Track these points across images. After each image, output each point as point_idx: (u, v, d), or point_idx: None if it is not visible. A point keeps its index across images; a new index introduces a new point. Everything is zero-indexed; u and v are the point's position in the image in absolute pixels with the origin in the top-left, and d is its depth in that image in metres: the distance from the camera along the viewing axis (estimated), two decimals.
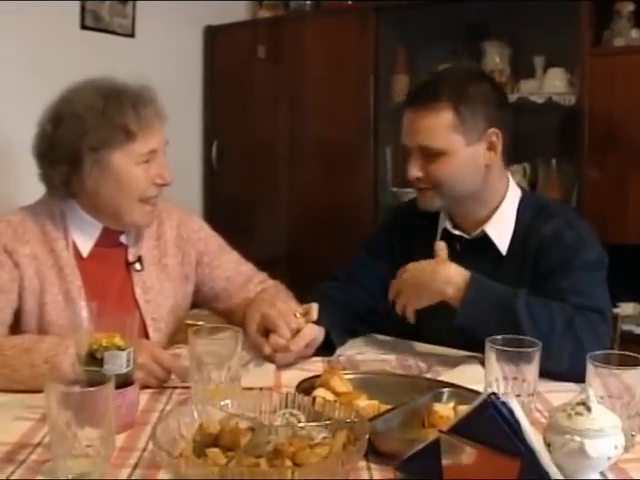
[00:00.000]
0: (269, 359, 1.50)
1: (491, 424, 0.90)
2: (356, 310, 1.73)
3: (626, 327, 2.26)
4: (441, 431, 0.97)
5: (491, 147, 1.58)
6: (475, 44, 2.79)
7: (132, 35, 2.91)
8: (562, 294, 1.49)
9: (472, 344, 1.56)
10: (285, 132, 3.11)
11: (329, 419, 1.06)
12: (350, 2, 3.02)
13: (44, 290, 1.53)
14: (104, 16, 2.79)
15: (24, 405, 1.24)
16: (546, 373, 1.28)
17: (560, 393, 1.33)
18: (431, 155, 1.56)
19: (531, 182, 2.64)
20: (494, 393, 0.93)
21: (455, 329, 1.47)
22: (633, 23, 2.43)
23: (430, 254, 1.69)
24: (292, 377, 1.40)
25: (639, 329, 2.47)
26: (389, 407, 1.18)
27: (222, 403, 1.07)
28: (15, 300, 1.51)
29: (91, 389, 0.96)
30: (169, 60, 3.05)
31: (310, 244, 3.07)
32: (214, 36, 3.28)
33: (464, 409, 1.16)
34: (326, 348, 1.58)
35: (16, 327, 1.53)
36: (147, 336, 1.62)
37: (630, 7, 2.42)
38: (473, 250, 1.65)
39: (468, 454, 0.92)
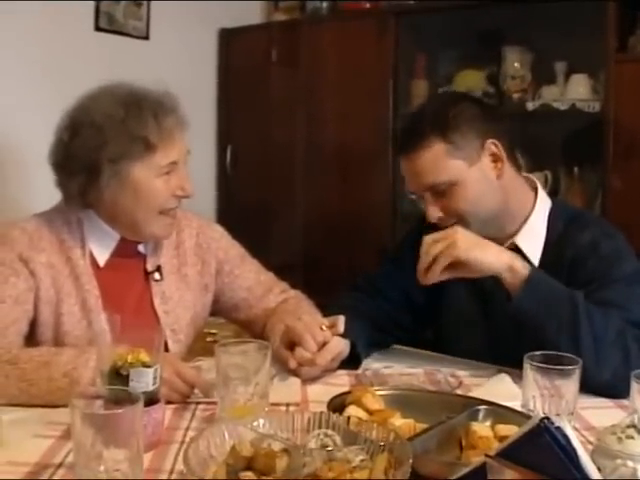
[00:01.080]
0: (294, 373, 1.45)
1: (545, 450, 0.85)
2: (379, 322, 1.69)
3: None
4: (488, 455, 0.92)
5: (495, 158, 1.54)
6: (495, 49, 2.75)
7: (146, 37, 2.88)
8: (603, 306, 1.43)
9: (498, 355, 1.54)
10: (301, 137, 3.07)
11: (366, 440, 1.01)
12: (368, 5, 2.97)
13: (60, 300, 1.49)
14: (118, 18, 2.76)
15: (43, 421, 1.19)
16: (585, 381, 1.24)
17: (596, 410, 1.30)
18: (442, 191, 1.53)
19: (553, 190, 2.59)
20: (547, 417, 0.87)
21: (509, 312, 1.41)
22: None
23: None
24: (318, 392, 1.37)
25: None
26: (425, 426, 1.14)
27: (254, 423, 1.02)
28: (31, 310, 1.47)
29: (120, 410, 0.91)
30: (183, 62, 3.02)
31: (326, 251, 3.02)
32: (229, 39, 3.24)
33: (504, 429, 1.13)
34: (351, 361, 1.53)
35: (31, 338, 1.48)
36: (166, 348, 1.57)
37: None
38: None
39: None
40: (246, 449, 0.96)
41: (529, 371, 1.21)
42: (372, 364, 1.56)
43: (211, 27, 3.21)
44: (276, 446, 1.00)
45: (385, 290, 1.73)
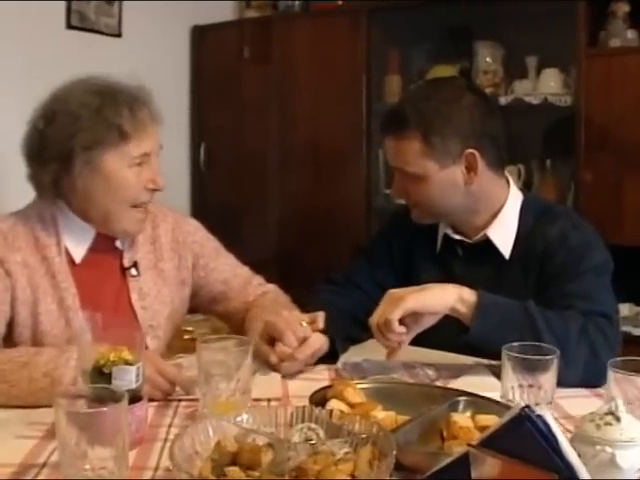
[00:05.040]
0: (274, 368, 1.46)
1: (527, 438, 0.87)
2: (355, 316, 1.69)
3: (624, 328, 2.26)
4: (470, 445, 0.93)
5: (470, 168, 1.54)
6: (467, 45, 2.78)
7: (119, 35, 2.88)
8: (569, 299, 1.48)
9: (474, 350, 1.55)
10: (275, 134, 3.07)
11: (349, 433, 1.02)
12: (340, 2, 2.98)
13: (37, 299, 1.48)
14: (90, 16, 2.76)
15: (25, 422, 1.18)
16: (562, 382, 1.26)
17: (574, 399, 1.32)
18: (408, 177, 1.56)
19: (526, 183, 2.63)
20: (528, 406, 0.89)
21: (467, 342, 1.43)
22: (629, 24, 2.43)
23: (430, 260, 1.69)
24: (299, 387, 1.38)
25: (637, 330, 2.47)
26: (406, 418, 1.15)
27: (238, 418, 1.03)
28: (7, 311, 1.46)
29: (104, 408, 0.91)
30: (156, 60, 3.01)
31: (301, 248, 3.03)
32: (201, 36, 3.24)
33: (485, 419, 1.14)
34: (329, 355, 1.54)
35: (9, 338, 1.47)
36: (145, 344, 1.57)
37: (625, 8, 2.41)
38: (475, 254, 1.64)
39: (500, 469, 0.88)
40: (231, 444, 0.96)
41: (507, 362, 1.22)
42: (350, 358, 1.56)
43: (183, 24, 3.21)
44: (260, 441, 1.00)
45: (360, 283, 1.75)
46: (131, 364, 1.09)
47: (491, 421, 1.13)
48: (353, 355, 1.58)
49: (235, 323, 1.71)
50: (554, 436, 0.87)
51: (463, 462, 0.92)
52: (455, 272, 1.66)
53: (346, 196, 2.90)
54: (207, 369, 1.19)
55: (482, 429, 1.10)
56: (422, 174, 1.54)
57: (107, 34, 2.83)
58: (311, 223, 3.00)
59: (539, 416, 0.88)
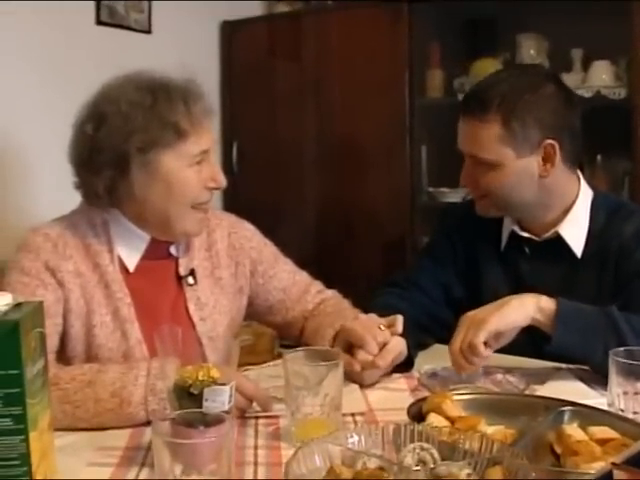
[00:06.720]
0: (351, 379, 1.36)
1: None
2: (419, 320, 1.62)
3: None
4: (614, 464, 0.84)
5: (547, 159, 1.49)
6: (511, 37, 2.69)
7: (149, 31, 2.81)
8: None
9: (539, 349, 1.44)
10: (311, 131, 2.97)
11: (466, 452, 0.92)
12: None
13: (91, 311, 1.38)
14: (120, 11, 2.70)
15: (94, 447, 1.09)
16: None
17: None
18: (481, 164, 1.50)
19: None
20: None
21: (550, 352, 1.37)
22: None
23: (494, 258, 1.63)
24: (381, 399, 1.31)
25: None
26: (512, 432, 1.06)
27: (350, 440, 0.93)
28: (60, 324, 1.36)
29: (213, 437, 0.82)
30: (186, 56, 2.86)
31: (340, 248, 2.93)
32: (231, 32, 3.15)
33: (600, 431, 1.05)
34: (400, 364, 1.44)
35: (61, 353, 1.38)
36: (204, 358, 1.47)
37: None
38: (544, 253, 1.58)
39: None
40: (346, 471, 0.87)
41: (613, 367, 1.15)
42: (423, 365, 1.47)
43: (213, 20, 3.14)
44: (371, 464, 0.91)
45: (424, 286, 1.68)
46: (221, 383, 0.99)
47: (606, 433, 1.05)
48: (425, 362, 1.49)
49: (293, 333, 1.62)
50: None
51: None
52: (522, 271, 1.61)
53: (388, 194, 2.80)
54: (294, 383, 1.11)
55: (600, 442, 1.02)
56: (497, 161, 1.48)
57: (137, 30, 2.76)
58: (351, 223, 2.90)
59: None
